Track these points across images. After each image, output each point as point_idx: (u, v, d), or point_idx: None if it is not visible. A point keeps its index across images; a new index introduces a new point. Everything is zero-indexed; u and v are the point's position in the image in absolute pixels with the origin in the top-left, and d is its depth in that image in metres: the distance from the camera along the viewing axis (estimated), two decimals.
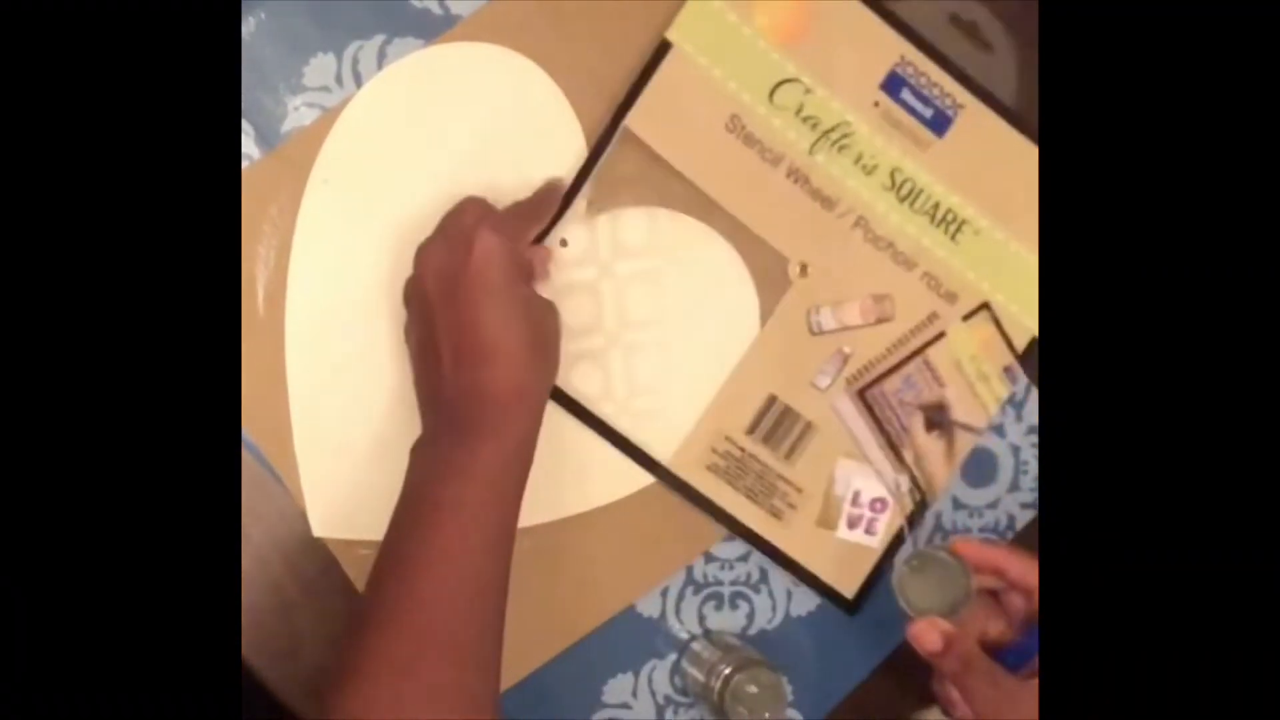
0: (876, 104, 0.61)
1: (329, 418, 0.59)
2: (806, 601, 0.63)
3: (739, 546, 0.62)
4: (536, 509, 0.58)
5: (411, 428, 0.56)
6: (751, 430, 0.61)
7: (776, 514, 0.61)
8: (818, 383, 0.62)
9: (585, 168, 0.60)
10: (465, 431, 0.52)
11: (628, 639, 0.62)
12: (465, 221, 0.55)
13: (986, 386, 0.62)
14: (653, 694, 0.62)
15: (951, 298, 0.62)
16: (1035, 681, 0.53)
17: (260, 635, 0.59)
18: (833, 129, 0.61)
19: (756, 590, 0.63)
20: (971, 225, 0.62)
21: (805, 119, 0.60)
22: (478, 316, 0.52)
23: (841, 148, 0.61)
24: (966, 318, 0.62)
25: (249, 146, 0.58)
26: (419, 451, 0.54)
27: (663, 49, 0.59)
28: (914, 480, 0.62)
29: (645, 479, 0.61)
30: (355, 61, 0.59)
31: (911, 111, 0.61)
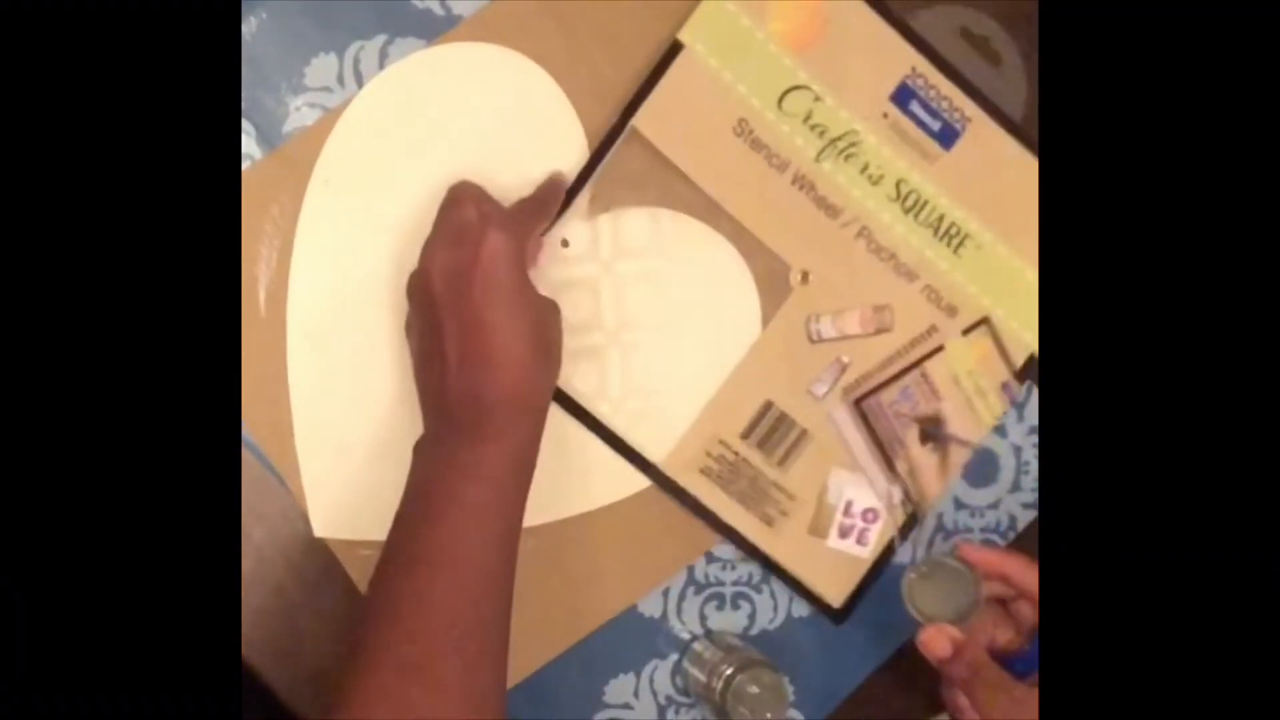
0: (885, 115, 0.61)
1: (330, 418, 0.59)
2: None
3: None
4: (539, 509, 0.58)
5: (413, 428, 0.56)
6: (746, 435, 0.61)
7: (768, 520, 0.61)
8: (815, 390, 0.61)
9: (590, 163, 0.59)
10: (471, 433, 0.52)
11: (629, 639, 0.62)
12: (470, 217, 0.55)
13: (983, 402, 0.62)
14: (654, 694, 0.62)
15: (952, 311, 0.62)
16: None
17: (262, 635, 0.59)
18: (840, 137, 0.61)
19: (758, 590, 0.63)
20: (975, 240, 0.62)
21: (813, 126, 0.60)
22: (486, 318, 0.52)
23: (848, 157, 0.61)
24: (966, 332, 0.62)
25: (251, 146, 0.58)
26: (423, 450, 0.54)
27: (674, 49, 0.59)
28: (906, 492, 0.62)
29: (647, 480, 0.61)
30: (357, 62, 0.59)
31: (920, 124, 0.61)
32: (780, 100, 0.60)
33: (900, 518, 0.62)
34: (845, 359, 0.61)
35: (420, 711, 0.48)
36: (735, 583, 0.62)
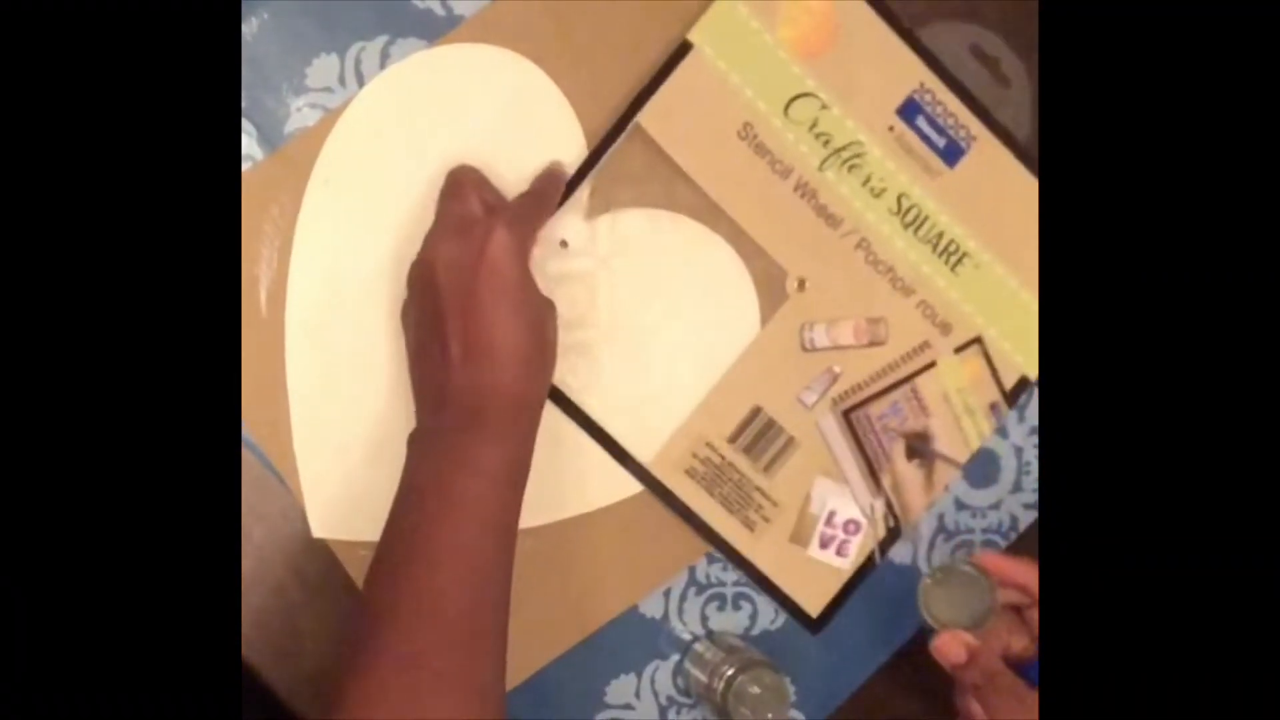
0: (891, 128, 0.61)
1: (329, 418, 0.59)
2: None
3: None
4: (538, 510, 0.58)
5: (411, 429, 0.55)
6: (734, 439, 0.61)
7: (749, 525, 0.61)
8: (804, 399, 0.61)
9: (592, 157, 0.59)
10: (469, 429, 0.52)
11: (630, 640, 0.62)
12: (474, 209, 0.55)
13: (971, 421, 0.62)
14: (655, 695, 0.62)
15: (946, 328, 0.62)
16: None
17: (262, 635, 0.59)
18: (845, 148, 0.61)
19: (759, 591, 0.62)
20: (973, 258, 0.62)
21: (818, 135, 0.60)
22: (489, 316, 0.52)
23: (852, 167, 0.61)
24: (959, 350, 0.62)
25: (251, 147, 0.58)
26: (419, 443, 0.54)
27: (683, 49, 0.59)
28: (889, 506, 0.62)
29: (639, 483, 0.61)
30: (358, 62, 0.58)
31: (925, 139, 0.61)
32: (787, 107, 0.60)
33: (882, 531, 0.62)
34: (837, 369, 0.61)
35: (420, 709, 0.47)
36: (736, 583, 0.62)
